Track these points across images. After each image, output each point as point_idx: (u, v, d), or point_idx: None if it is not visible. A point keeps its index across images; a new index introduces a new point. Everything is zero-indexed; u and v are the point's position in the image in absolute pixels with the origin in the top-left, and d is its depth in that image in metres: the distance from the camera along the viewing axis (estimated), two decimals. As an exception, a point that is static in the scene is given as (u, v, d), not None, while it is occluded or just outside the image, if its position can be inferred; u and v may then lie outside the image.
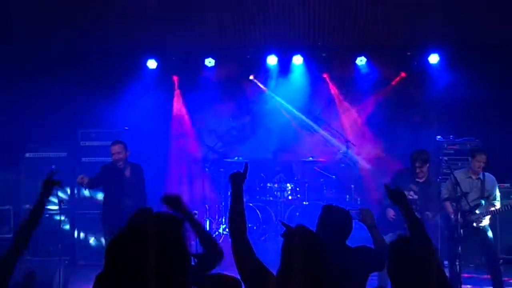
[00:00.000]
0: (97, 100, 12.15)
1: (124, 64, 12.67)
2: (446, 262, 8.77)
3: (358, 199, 11.69)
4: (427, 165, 8.92)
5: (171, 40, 12.34)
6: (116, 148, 9.49)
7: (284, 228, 4.37)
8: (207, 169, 12.24)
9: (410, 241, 3.93)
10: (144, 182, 9.51)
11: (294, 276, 3.58)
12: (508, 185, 11.12)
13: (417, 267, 3.71)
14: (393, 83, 12.85)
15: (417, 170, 8.83)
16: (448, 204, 8.79)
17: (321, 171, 12.32)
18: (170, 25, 11.72)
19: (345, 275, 4.54)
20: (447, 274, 8.54)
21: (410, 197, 8.61)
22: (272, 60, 12.83)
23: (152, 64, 12.87)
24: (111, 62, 12.50)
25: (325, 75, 13.08)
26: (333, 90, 13.16)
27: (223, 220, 11.88)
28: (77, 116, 12.39)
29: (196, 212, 9.47)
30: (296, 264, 3.59)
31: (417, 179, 8.89)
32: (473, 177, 8.84)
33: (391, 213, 8.56)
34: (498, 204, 8.81)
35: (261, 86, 13.15)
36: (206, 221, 11.92)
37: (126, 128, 12.12)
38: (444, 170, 10.77)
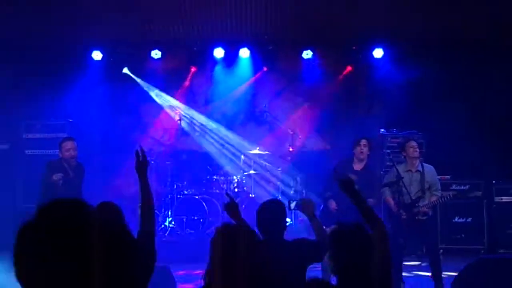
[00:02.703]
0: (41, 91, 11.98)
1: (68, 55, 12.50)
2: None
3: (304, 191, 11.81)
4: (370, 147, 9.09)
5: (116, 31, 12.22)
6: (70, 145, 9.14)
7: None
8: (153, 162, 12.15)
9: (352, 227, 4.00)
10: (82, 183, 9.29)
11: (222, 271, 3.59)
12: (449, 177, 11.39)
13: (358, 252, 3.78)
14: (341, 77, 13.00)
15: (361, 148, 8.96)
16: (389, 198, 8.95)
17: (267, 163, 12.40)
18: (115, 15, 11.59)
19: (282, 268, 4.60)
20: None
21: None
22: (218, 53, 12.82)
23: (97, 55, 12.73)
24: (56, 53, 12.31)
25: (265, 68, 13.11)
26: (280, 83, 13.23)
27: (169, 213, 11.86)
28: (20, 107, 12.15)
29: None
30: (221, 260, 3.59)
31: (355, 167, 9.03)
32: (412, 169, 9.00)
33: (333, 204, 8.68)
34: (438, 193, 9.00)
35: (209, 78, 13.13)
36: (152, 214, 11.84)
37: (71, 120, 11.98)
38: (387, 163, 10.97)
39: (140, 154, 4.38)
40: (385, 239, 4.09)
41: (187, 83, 13.15)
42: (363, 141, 9.02)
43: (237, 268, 3.54)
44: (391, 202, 8.89)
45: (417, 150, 9.06)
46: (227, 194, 5.04)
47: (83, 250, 2.38)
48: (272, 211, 5.12)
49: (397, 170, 8.81)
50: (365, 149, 9.02)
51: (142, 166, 4.34)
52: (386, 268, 4.05)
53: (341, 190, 4.67)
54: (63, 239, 2.37)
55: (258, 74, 13.12)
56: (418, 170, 8.98)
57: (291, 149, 12.38)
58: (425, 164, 9.14)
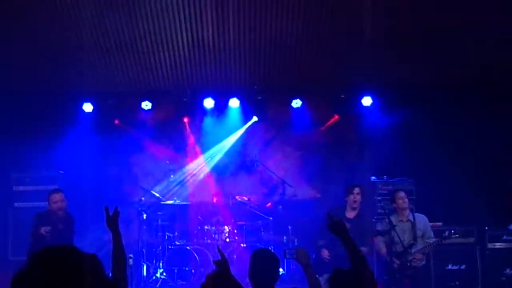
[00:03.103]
0: (32, 143, 11.96)
1: (59, 107, 12.53)
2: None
3: (296, 240, 11.73)
4: (362, 196, 9.11)
5: (107, 83, 12.29)
6: (58, 197, 9.19)
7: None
8: (143, 213, 12.10)
9: (349, 272, 3.99)
10: (74, 233, 9.25)
11: None
12: (441, 223, 11.37)
13: None
14: (327, 125, 13.06)
15: (354, 197, 8.97)
16: (382, 247, 8.94)
17: (259, 212, 12.36)
18: (105, 67, 11.70)
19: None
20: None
21: None
22: (208, 103, 12.88)
23: (88, 107, 12.76)
24: (46, 105, 12.34)
25: (260, 118, 13.18)
26: (269, 132, 13.28)
27: (161, 264, 11.74)
28: (9, 159, 12.13)
29: (131, 256, 9.33)
30: None
31: (348, 215, 9.03)
32: (403, 219, 9.02)
33: (325, 253, 8.66)
34: (431, 241, 9.01)
35: (199, 129, 13.17)
36: (143, 265, 11.74)
37: (62, 172, 11.95)
38: (379, 211, 10.97)
39: (109, 210, 4.40)
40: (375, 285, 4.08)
41: (189, 136, 13.19)
42: (356, 189, 9.05)
43: None
44: (384, 251, 8.87)
45: (406, 200, 9.10)
46: (218, 249, 5.02)
47: None
48: (263, 261, 5.11)
49: (389, 219, 8.83)
50: (358, 197, 9.05)
51: (112, 220, 4.35)
52: None
53: (332, 232, 4.67)
54: (55, 284, 2.36)
55: (248, 123, 13.17)
56: (409, 220, 9.00)
57: (269, 205, 12.40)
58: (416, 214, 9.19)
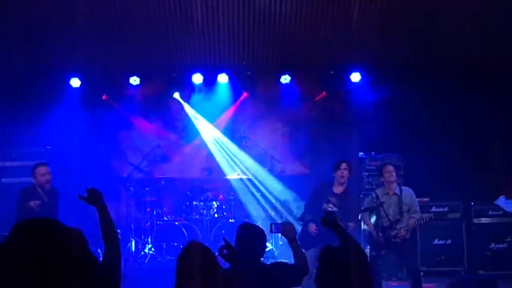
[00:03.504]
0: (19, 119, 11.90)
1: (47, 82, 12.45)
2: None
3: (283, 215, 11.80)
4: (350, 171, 9.13)
5: (95, 58, 12.21)
6: (44, 170, 9.06)
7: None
8: (132, 188, 12.11)
9: (340, 250, 4.03)
10: (58, 208, 9.20)
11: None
12: (428, 199, 11.45)
13: (344, 277, 3.80)
14: (315, 101, 13.07)
15: (342, 172, 8.99)
16: (368, 221, 9.01)
17: (247, 188, 12.40)
18: (94, 42, 11.62)
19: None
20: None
21: (330, 209, 8.79)
22: (197, 79, 12.85)
23: (75, 82, 12.69)
24: (34, 80, 12.27)
25: (245, 94, 13.16)
26: (258, 108, 13.27)
27: (149, 240, 11.78)
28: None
29: (119, 231, 9.34)
30: (189, 280, 3.60)
31: (335, 191, 9.07)
32: (390, 192, 9.07)
33: (312, 227, 8.70)
34: (417, 215, 9.06)
35: (186, 105, 13.14)
36: (132, 241, 11.77)
37: (49, 147, 11.91)
38: (366, 186, 11.03)
39: (88, 191, 4.32)
40: (366, 267, 4.11)
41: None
42: (344, 165, 9.06)
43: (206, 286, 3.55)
44: (370, 225, 8.95)
45: (394, 174, 9.13)
46: (224, 239, 5.06)
47: (56, 268, 2.36)
48: (249, 234, 5.13)
49: (376, 194, 8.88)
50: (346, 172, 9.06)
51: (94, 196, 4.28)
52: None
53: (324, 226, 4.73)
54: (40, 257, 2.35)
55: (239, 99, 13.15)
56: (395, 193, 9.05)
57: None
58: (403, 187, 9.22)
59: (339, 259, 3.90)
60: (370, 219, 8.98)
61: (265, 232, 5.31)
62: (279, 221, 11.46)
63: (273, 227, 5.64)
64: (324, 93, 13.03)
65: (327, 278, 3.86)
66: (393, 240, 8.78)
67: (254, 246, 5.10)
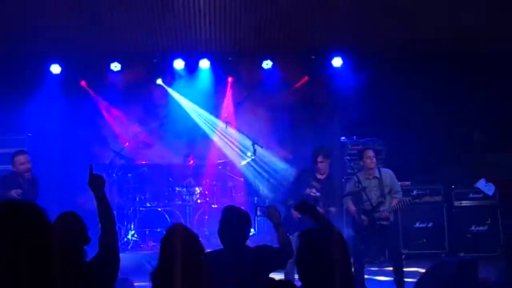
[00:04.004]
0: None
1: (26, 69, 12.35)
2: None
3: (266, 200, 11.83)
4: (329, 160, 9.17)
5: (75, 44, 12.12)
6: (23, 158, 8.97)
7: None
8: (114, 175, 12.07)
9: (319, 232, 4.06)
10: (37, 196, 9.13)
11: (171, 272, 3.61)
12: (409, 183, 11.55)
13: (324, 257, 3.83)
14: (297, 86, 13.09)
15: (319, 165, 9.04)
16: (350, 205, 9.06)
17: (230, 174, 12.41)
18: (73, 28, 11.53)
19: (245, 275, 4.62)
20: (352, 270, 8.85)
21: (313, 194, 8.83)
22: (179, 64, 12.80)
23: (55, 69, 12.60)
24: (13, 67, 12.17)
25: (230, 79, 13.15)
26: (230, 95, 13.26)
27: (132, 226, 11.77)
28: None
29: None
30: (172, 261, 3.62)
31: (318, 176, 9.11)
32: (370, 177, 9.12)
33: (295, 212, 8.72)
34: (399, 195, 9.12)
35: (169, 90, 13.10)
36: (115, 227, 11.73)
37: (30, 134, 11.83)
38: (348, 171, 11.08)
39: (92, 175, 4.33)
40: (345, 250, 4.15)
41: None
42: (319, 158, 9.07)
43: (187, 270, 3.56)
44: (353, 209, 9.00)
45: (374, 160, 9.17)
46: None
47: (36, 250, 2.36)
48: (233, 218, 5.14)
49: (358, 178, 8.93)
50: (322, 165, 9.09)
51: (96, 181, 4.29)
52: (348, 275, 4.12)
53: (300, 213, 4.77)
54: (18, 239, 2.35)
55: (223, 84, 13.14)
56: (375, 177, 9.10)
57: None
58: (382, 169, 9.27)
59: (319, 240, 3.93)
60: (353, 203, 9.03)
61: (250, 216, 5.31)
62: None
63: (258, 210, 5.65)
64: (306, 78, 13.03)
65: (306, 259, 3.89)
66: (377, 222, 8.84)
67: (238, 229, 5.11)
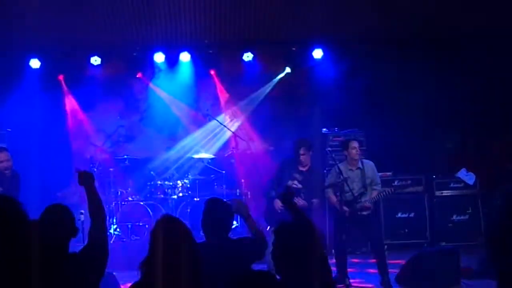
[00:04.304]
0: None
1: (5, 63, 12.25)
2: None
3: (248, 193, 11.82)
4: (310, 152, 9.21)
5: (54, 38, 12.02)
6: (3, 156, 8.88)
7: None
8: (95, 169, 11.99)
9: (293, 225, 4.07)
10: (19, 191, 9.05)
11: (158, 263, 3.60)
12: (391, 173, 11.61)
13: (299, 251, 3.84)
14: (278, 78, 13.08)
15: (301, 158, 9.07)
16: (331, 196, 9.09)
17: (211, 166, 12.39)
18: (53, 22, 11.43)
19: (227, 267, 4.62)
20: (335, 260, 8.91)
21: (295, 186, 8.86)
22: (159, 58, 12.75)
23: (35, 63, 12.50)
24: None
25: (212, 72, 13.12)
26: (221, 86, 13.23)
27: (114, 220, 11.72)
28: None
29: (82, 211, 9.28)
30: (159, 251, 3.61)
31: (300, 168, 9.14)
32: (353, 168, 9.16)
33: (278, 204, 8.73)
34: (379, 187, 9.19)
35: (150, 84, 13.04)
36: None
37: (9, 129, 11.75)
38: (330, 162, 11.09)
39: (79, 174, 4.39)
40: (321, 246, 4.18)
41: None
42: (301, 151, 9.12)
43: (178, 260, 3.56)
44: (334, 199, 9.02)
45: (359, 151, 9.22)
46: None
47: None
48: (215, 210, 5.14)
49: (339, 169, 8.95)
50: (304, 157, 9.14)
51: (85, 177, 4.34)
52: (325, 268, 4.14)
53: (283, 203, 4.79)
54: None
55: (204, 77, 13.08)
56: (358, 168, 9.14)
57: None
58: (364, 160, 9.32)
59: (293, 234, 3.95)
60: (334, 194, 9.06)
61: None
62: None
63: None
64: (288, 69, 13.02)
65: (281, 254, 3.91)
66: (358, 213, 8.88)
67: (221, 221, 5.11)
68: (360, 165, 9.15)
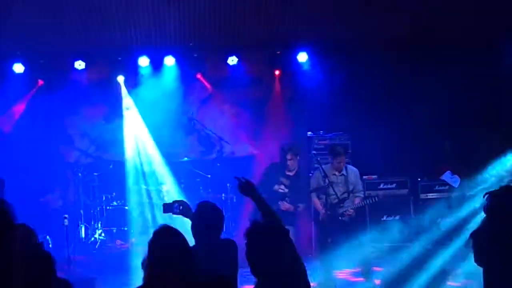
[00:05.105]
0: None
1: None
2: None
3: (234, 197, 11.82)
4: (297, 157, 9.22)
5: (38, 43, 11.95)
6: None
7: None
8: (79, 174, 11.94)
9: (262, 227, 4.07)
10: (3, 196, 9.00)
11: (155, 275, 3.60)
12: (376, 176, 11.64)
13: (269, 251, 3.86)
14: (265, 81, 13.08)
15: (288, 163, 9.09)
16: (316, 200, 9.09)
17: (197, 170, 12.37)
18: (36, 26, 11.37)
19: (218, 268, 4.60)
20: (320, 265, 8.91)
21: (281, 191, 8.88)
22: (143, 62, 12.69)
23: (18, 68, 12.40)
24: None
25: (198, 76, 13.08)
26: (206, 90, 13.19)
27: (99, 225, 11.67)
28: None
29: (66, 216, 9.25)
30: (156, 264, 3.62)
31: (287, 173, 9.15)
32: (337, 173, 9.18)
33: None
34: (361, 194, 9.22)
35: (125, 91, 12.94)
36: (81, 227, 11.65)
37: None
38: (315, 165, 11.08)
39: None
40: (288, 240, 4.17)
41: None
42: (288, 156, 9.14)
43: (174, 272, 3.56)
44: (318, 203, 9.04)
45: (343, 164, 9.19)
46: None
47: None
48: (207, 213, 5.13)
49: (324, 172, 8.95)
50: (291, 162, 9.16)
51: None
52: (300, 267, 4.15)
53: (241, 193, 4.77)
54: None
55: (189, 81, 13.04)
56: (342, 174, 9.15)
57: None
58: (349, 167, 9.33)
59: (263, 236, 3.95)
60: (317, 198, 9.07)
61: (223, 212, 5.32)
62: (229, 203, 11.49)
63: (165, 207, 5.59)
64: (277, 71, 12.99)
65: (254, 256, 3.92)
66: (340, 218, 8.90)
67: (212, 224, 5.10)
68: (344, 171, 9.16)
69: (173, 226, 3.93)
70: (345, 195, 9.02)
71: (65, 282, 3.98)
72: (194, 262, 3.75)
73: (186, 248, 3.79)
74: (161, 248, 3.70)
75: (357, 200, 9.09)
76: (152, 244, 3.76)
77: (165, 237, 3.78)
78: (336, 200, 8.85)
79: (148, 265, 3.72)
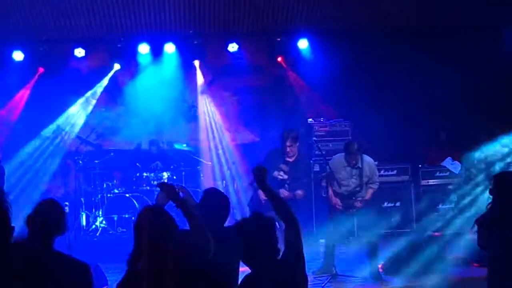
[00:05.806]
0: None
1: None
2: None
3: (235, 184, 11.83)
4: (297, 144, 9.20)
5: (37, 30, 11.91)
6: None
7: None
8: (80, 162, 11.93)
9: (249, 221, 4.07)
10: (3, 184, 9.01)
11: (144, 252, 3.57)
12: (376, 163, 11.57)
13: (261, 243, 3.88)
14: (266, 67, 13.05)
15: (288, 149, 9.07)
16: (331, 192, 9.05)
17: (198, 158, 12.36)
18: (36, 13, 11.33)
19: (222, 254, 4.61)
20: (323, 250, 8.94)
21: (280, 177, 8.87)
22: (143, 49, 12.64)
23: (18, 56, 12.35)
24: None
25: (197, 63, 13.03)
26: (206, 77, 13.16)
27: (100, 213, 11.67)
28: None
29: (67, 203, 9.23)
30: (144, 240, 3.59)
31: (287, 159, 9.13)
32: (352, 165, 9.12)
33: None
34: (375, 186, 9.17)
35: (135, 76, 12.94)
36: (82, 214, 11.66)
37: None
38: (316, 152, 11.07)
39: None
40: (299, 235, 4.16)
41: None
42: (288, 142, 9.11)
43: (164, 252, 3.53)
44: (332, 195, 9.00)
45: (356, 161, 9.09)
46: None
47: None
48: (217, 200, 5.14)
49: (330, 169, 8.95)
50: (291, 148, 9.14)
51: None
52: (300, 263, 4.15)
53: (258, 185, 4.74)
54: None
55: (190, 68, 13.01)
56: (358, 166, 9.07)
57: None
58: (365, 158, 9.17)
59: (252, 228, 3.95)
60: (329, 185, 9.06)
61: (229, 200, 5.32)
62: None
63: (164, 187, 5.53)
64: (279, 58, 12.95)
65: (247, 249, 3.94)
66: (350, 210, 8.90)
67: (218, 211, 5.10)
68: (359, 164, 9.06)
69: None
70: (358, 188, 8.99)
71: (84, 266, 3.95)
72: (188, 244, 3.73)
73: (173, 223, 3.75)
74: (149, 224, 3.66)
75: (369, 193, 9.05)
76: (136, 224, 3.74)
77: (148, 215, 3.75)
78: (347, 193, 8.87)
79: (134, 247, 3.69)
